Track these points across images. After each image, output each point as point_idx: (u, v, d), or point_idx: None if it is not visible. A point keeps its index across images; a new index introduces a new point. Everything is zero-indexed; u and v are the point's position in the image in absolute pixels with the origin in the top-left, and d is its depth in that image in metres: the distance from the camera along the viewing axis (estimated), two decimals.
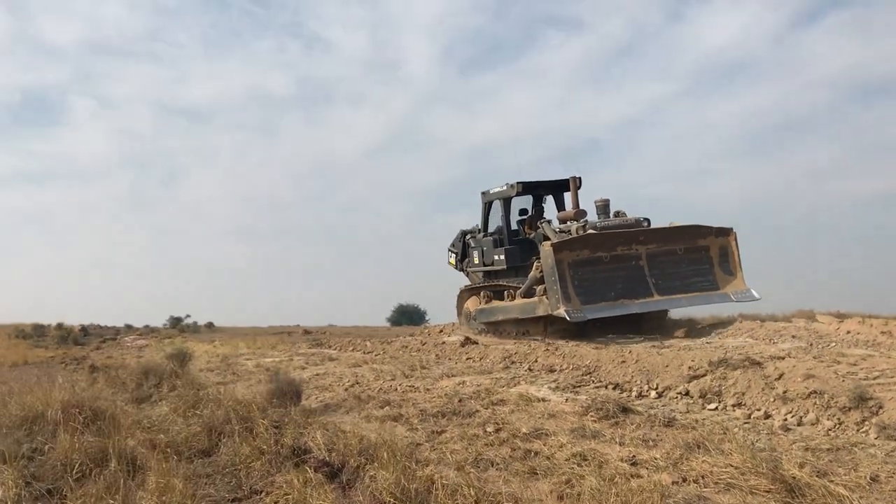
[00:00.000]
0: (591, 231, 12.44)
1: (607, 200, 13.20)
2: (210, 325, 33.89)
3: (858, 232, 50.32)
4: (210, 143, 70.89)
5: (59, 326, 27.45)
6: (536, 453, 5.50)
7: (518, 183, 14.62)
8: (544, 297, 12.06)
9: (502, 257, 14.87)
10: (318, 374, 9.98)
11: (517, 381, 8.08)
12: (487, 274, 15.80)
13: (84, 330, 27.05)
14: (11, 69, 68.78)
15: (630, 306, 11.89)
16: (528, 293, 13.01)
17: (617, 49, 62.00)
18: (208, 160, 71.72)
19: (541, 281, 12.27)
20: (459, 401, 7.28)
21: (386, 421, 6.80)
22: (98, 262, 67.69)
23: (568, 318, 11.28)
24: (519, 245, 14.75)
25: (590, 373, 7.92)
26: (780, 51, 54.68)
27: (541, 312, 12.42)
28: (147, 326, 31.63)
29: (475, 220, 16.50)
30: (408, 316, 46.64)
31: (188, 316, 34.79)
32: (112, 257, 68.90)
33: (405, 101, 67.98)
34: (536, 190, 15.24)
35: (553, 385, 7.65)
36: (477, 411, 6.83)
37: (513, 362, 9.29)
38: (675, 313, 13.30)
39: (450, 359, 10.62)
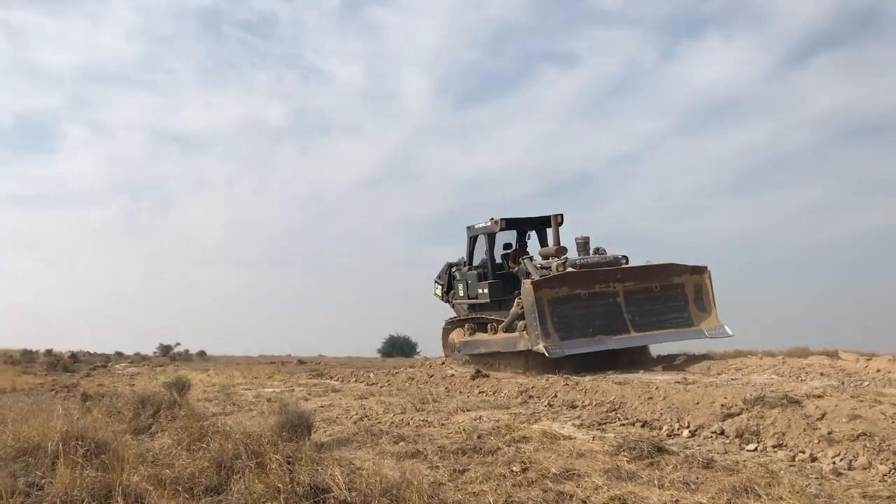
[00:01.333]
0: (570, 269, 12.76)
1: (587, 238, 13.56)
2: (202, 354, 33.33)
3: (847, 268, 50.40)
4: (203, 171, 70.68)
5: (49, 353, 26.89)
6: (570, 496, 5.15)
7: (501, 219, 15.08)
8: (525, 332, 12.39)
9: (486, 290, 15.14)
10: (322, 406, 9.60)
11: (537, 416, 7.72)
12: (472, 307, 16.04)
13: (74, 357, 26.48)
14: (6, 94, 68.60)
15: (607, 342, 12.20)
16: (510, 328, 13.28)
17: (611, 85, 62.42)
18: (201, 188, 71.41)
19: (522, 317, 12.55)
20: (479, 437, 6.92)
21: (403, 458, 6.43)
22: (88, 289, 66.84)
23: (547, 354, 11.60)
24: (502, 279, 15.03)
25: (614, 409, 7.57)
26: (771, 90, 55.16)
27: (521, 347, 12.65)
28: (137, 354, 31.06)
29: (463, 253, 16.72)
30: (399, 347, 46.16)
31: (178, 344, 34.23)
32: (102, 284, 68.15)
33: (400, 133, 68.14)
34: (519, 226, 15.66)
35: (577, 422, 7.29)
36: (499, 449, 6.46)
37: (530, 397, 8.93)
38: (660, 349, 13.41)
39: (460, 392, 10.25)
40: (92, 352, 31.61)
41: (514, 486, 5.44)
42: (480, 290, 15.40)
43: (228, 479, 5.58)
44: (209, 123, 69.21)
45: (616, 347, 12.36)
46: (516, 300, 13.03)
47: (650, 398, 7.42)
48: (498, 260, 15.74)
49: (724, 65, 55.93)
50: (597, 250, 13.55)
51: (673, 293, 13.00)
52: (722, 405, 6.69)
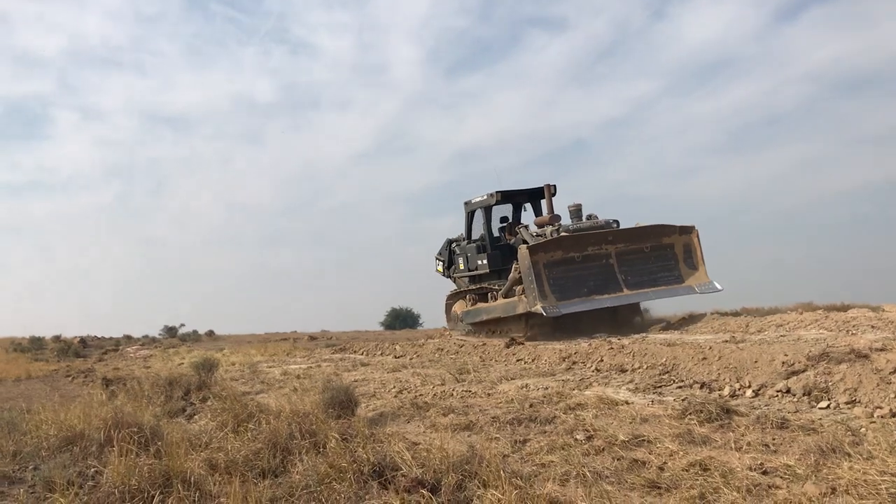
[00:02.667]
0: (563, 234, 13.40)
1: (579, 205, 14.19)
2: (210, 334, 33.18)
3: (843, 223, 50.32)
4: (196, 151, 70.09)
5: (58, 339, 26.70)
6: (645, 463, 4.92)
7: (497, 192, 15.72)
8: (523, 296, 13.01)
9: (485, 262, 15.85)
10: (356, 381, 9.37)
11: (587, 382, 7.50)
12: (472, 278, 16.72)
13: (83, 342, 26.30)
14: None
15: (602, 301, 12.87)
16: (509, 293, 14.03)
17: (601, 48, 61.79)
18: (195, 169, 70.91)
19: (519, 281, 13.18)
20: (531, 406, 6.70)
21: (457, 430, 6.21)
22: (86, 274, 66.69)
23: (544, 314, 12.28)
24: (500, 250, 15.68)
25: (667, 372, 7.35)
26: (762, 46, 54.57)
27: (521, 310, 13.30)
28: (147, 336, 30.92)
29: (461, 226, 17.34)
30: (402, 319, 46.07)
31: (182, 325, 34.13)
32: (100, 268, 67.96)
33: (392, 105, 67.50)
34: (515, 198, 16.29)
35: (631, 386, 7.07)
36: (556, 417, 6.24)
37: (574, 363, 8.71)
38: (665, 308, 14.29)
39: (496, 361, 10.04)
40: (100, 336, 31.46)
41: (582, 454, 5.22)
42: (480, 262, 16.06)
43: (285, 460, 5.36)
44: (199, 103, 68.54)
45: (610, 305, 13.01)
46: (514, 266, 13.58)
47: (704, 359, 7.19)
48: (496, 233, 16.29)
49: (714, 23, 55.33)
50: (589, 216, 14.10)
51: (663, 253, 13.60)
52: (783, 363, 6.46)
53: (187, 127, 70.55)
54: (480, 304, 15.80)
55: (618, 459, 5.06)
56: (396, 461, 4.90)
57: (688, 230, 13.69)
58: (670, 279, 13.45)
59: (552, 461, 5.16)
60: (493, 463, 4.74)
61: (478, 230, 16.68)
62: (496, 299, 14.85)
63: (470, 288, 16.69)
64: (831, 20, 52.65)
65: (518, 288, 13.37)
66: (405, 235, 63.53)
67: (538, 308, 12.30)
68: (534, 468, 5.04)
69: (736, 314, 11.99)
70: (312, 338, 28.18)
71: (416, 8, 64.48)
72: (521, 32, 65.91)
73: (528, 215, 16.48)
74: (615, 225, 13.93)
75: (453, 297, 17.73)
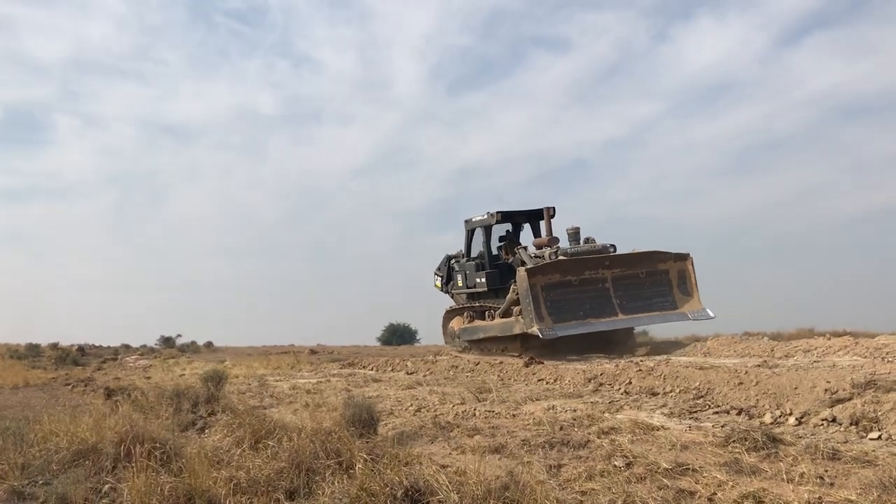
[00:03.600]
0: (561, 257, 13.71)
1: (578, 228, 14.50)
2: (209, 345, 32.80)
3: (844, 248, 50.25)
4: (196, 161, 69.87)
5: (55, 346, 26.33)
6: (692, 493, 4.64)
7: (497, 212, 16.20)
8: (520, 316, 13.35)
9: (483, 280, 16.08)
10: (370, 398, 9.06)
11: (617, 405, 7.22)
12: (470, 296, 17.01)
13: (81, 350, 25.92)
14: None
15: (597, 325, 13.20)
16: (506, 313, 14.34)
17: (604, 69, 61.87)
18: (194, 179, 70.65)
19: (517, 302, 13.50)
20: (561, 429, 6.42)
21: (485, 453, 5.92)
22: (82, 281, 66.16)
23: (541, 336, 12.56)
24: (499, 269, 15.95)
25: (701, 396, 7.07)
26: (765, 71, 54.70)
27: (517, 331, 13.69)
28: (145, 346, 30.53)
29: (460, 243, 17.61)
30: (399, 335, 45.68)
31: (179, 335, 33.79)
32: (96, 276, 67.43)
33: (393, 121, 67.40)
34: (515, 218, 16.77)
35: (665, 411, 6.79)
36: (589, 441, 5.96)
37: (601, 384, 8.41)
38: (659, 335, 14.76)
39: (515, 380, 9.74)
40: (97, 344, 31.08)
41: (622, 482, 4.94)
42: (478, 280, 16.30)
43: (310, 481, 5.07)
44: (201, 113, 68.43)
45: (605, 329, 13.35)
46: (512, 287, 13.87)
47: (740, 383, 6.91)
48: (494, 251, 16.63)
49: (717, 46, 55.46)
50: (587, 240, 14.39)
51: (658, 279, 13.85)
52: (825, 390, 6.19)
53: (188, 137, 70.42)
54: (478, 322, 16.03)
55: (662, 489, 4.78)
56: (432, 485, 4.62)
57: (683, 257, 13.96)
58: (664, 305, 13.72)
59: (593, 489, 4.88)
60: (535, 490, 4.47)
61: (477, 248, 16.98)
62: (493, 318, 15.15)
63: (468, 305, 16.99)
64: (834, 46, 52.79)
65: (515, 309, 13.69)
66: (403, 251, 63.28)
67: (535, 330, 12.58)
68: (574, 496, 4.77)
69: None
70: (313, 352, 27.81)
71: (420, 25, 64.57)
72: (524, 52, 66.05)
73: (526, 236, 16.94)
74: (612, 249, 14.21)
75: (451, 314, 18.01)
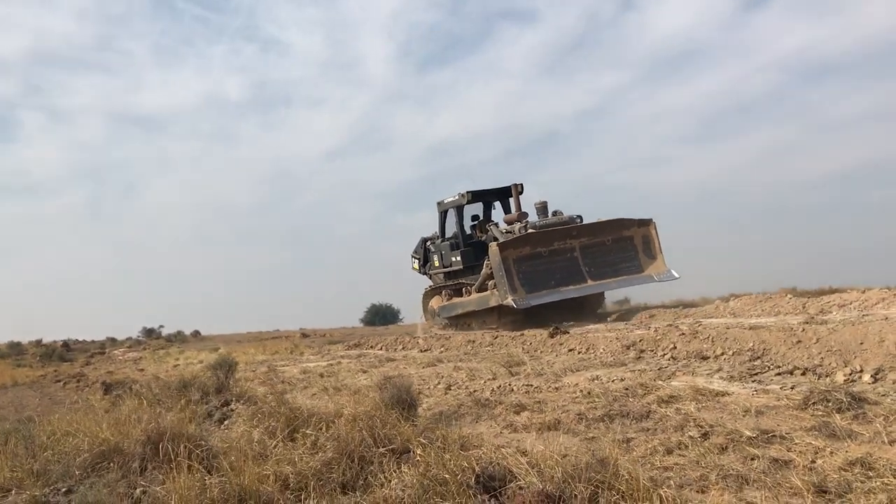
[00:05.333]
0: (531, 230, 14.32)
1: (545, 202, 15.14)
2: (196, 334, 32.13)
3: (813, 211, 50.51)
4: (167, 152, 68.47)
5: (39, 343, 25.54)
6: (788, 463, 4.22)
7: (468, 192, 16.79)
8: (495, 290, 13.98)
9: (459, 258, 16.71)
10: (390, 378, 8.58)
11: (668, 372, 6.78)
12: (447, 275, 17.65)
13: (66, 345, 25.17)
14: None
15: (568, 292, 13.82)
16: (482, 288, 15.13)
17: (572, 40, 61.39)
18: (166, 169, 69.30)
19: (491, 276, 14.13)
20: (615, 399, 5.98)
21: (541, 430, 5.48)
22: (58, 277, 64.82)
23: (515, 306, 13.23)
24: (473, 247, 16.60)
25: (758, 357, 6.65)
26: (731, 35, 54.53)
27: (493, 303, 14.39)
28: (131, 339, 29.80)
29: (435, 224, 18.25)
30: (381, 315, 45.39)
31: (162, 326, 33.22)
32: (72, 271, 66.12)
33: (364, 102, 66.46)
34: (485, 197, 17.35)
35: (723, 374, 6.36)
36: (651, 411, 5.53)
37: (642, 351, 7.98)
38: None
39: (541, 352, 9.30)
40: (82, 339, 30.30)
41: (703, 454, 4.51)
42: (454, 259, 16.95)
43: (364, 471, 4.59)
44: (169, 102, 66.98)
45: (576, 296, 13.97)
46: (485, 262, 14.55)
47: (798, 342, 6.50)
48: (468, 231, 17.21)
49: (683, 12, 55.17)
50: (555, 213, 15.01)
51: (623, 245, 14.51)
52: None
53: (158, 127, 68.90)
54: (456, 299, 16.69)
55: (751, 459, 4.35)
56: (509, 469, 4.15)
57: (646, 223, 14.52)
58: (631, 269, 14.33)
59: (677, 464, 4.45)
60: (623, 468, 4.01)
61: (451, 228, 17.59)
62: (470, 294, 15.79)
63: (445, 284, 17.60)
64: (799, 7, 52.67)
65: (490, 283, 14.33)
66: (380, 232, 62.66)
67: (509, 301, 13.19)
68: (655, 472, 4.32)
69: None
70: (305, 335, 27.28)
71: (387, 3, 63.44)
72: (492, 26, 65.31)
73: (497, 213, 17.41)
74: (579, 220, 14.81)
75: (430, 293, 18.70)
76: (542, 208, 15.06)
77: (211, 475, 4.11)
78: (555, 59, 62.81)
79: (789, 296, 10.65)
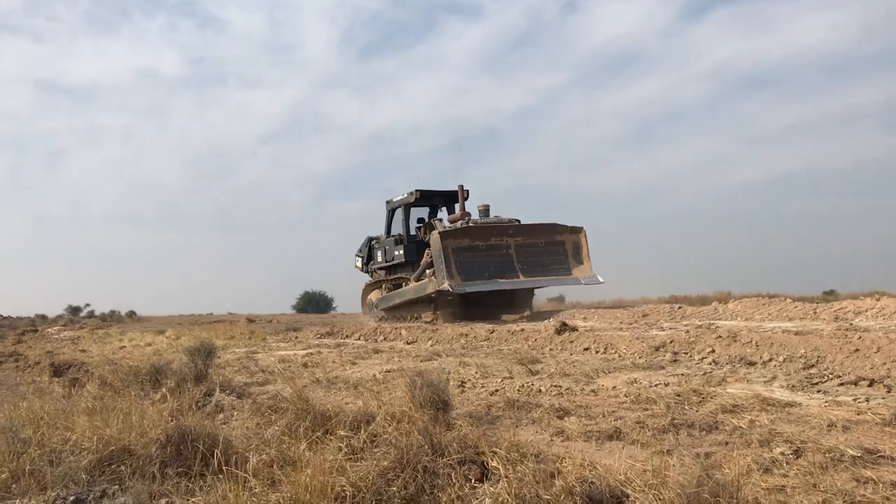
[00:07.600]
0: (471, 224, 15.83)
1: (488, 205, 16.65)
2: (132, 314, 30.63)
3: (741, 217, 52.01)
4: (95, 124, 65.54)
5: None
6: None
7: (416, 190, 18.24)
8: (433, 277, 15.07)
9: (401, 252, 18.13)
10: (389, 372, 7.89)
11: (716, 378, 6.28)
12: (388, 269, 19.01)
13: None
14: None
15: (501, 284, 15.16)
16: (421, 277, 16.34)
17: (515, 38, 61.57)
18: (94, 143, 66.39)
19: (431, 265, 15.26)
20: (668, 407, 5.45)
21: (601, 440, 4.90)
22: None
23: (451, 290, 14.35)
24: (416, 245, 17.90)
25: (812, 365, 6.21)
26: (669, 43, 55.69)
27: (431, 290, 15.36)
28: (62, 316, 28.13)
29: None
30: (314, 303, 44.64)
31: (88, 304, 31.74)
32: None
33: (303, 85, 65.01)
34: (432, 199, 18.79)
35: (781, 383, 5.89)
36: (719, 422, 5.01)
37: (675, 353, 7.47)
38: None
39: (550, 350, 8.72)
40: (6, 315, 28.49)
41: (807, 474, 4.00)
42: (396, 252, 18.35)
43: (430, 484, 3.91)
44: (100, 74, 64.14)
45: (508, 288, 15.43)
46: (427, 252, 15.78)
47: (856, 350, 6.10)
48: (413, 231, 18.60)
49: (624, 18, 55.95)
50: (496, 216, 16.48)
51: (555, 248, 15.91)
52: None
53: (87, 99, 65.84)
54: (394, 291, 17.89)
55: (865, 483, 3.86)
56: (612, 489, 3.54)
57: (577, 230, 15.96)
58: (560, 270, 15.76)
59: (783, 486, 3.92)
60: (736, 488, 3.45)
61: (397, 228, 18.90)
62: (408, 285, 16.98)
63: (386, 278, 18.91)
64: (734, 21, 54.06)
65: (429, 271, 15.41)
66: (313, 219, 61.50)
67: (446, 286, 14.28)
68: (769, 496, 3.78)
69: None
70: (250, 320, 26.25)
71: None
72: (436, 18, 64.79)
73: (443, 217, 18.46)
74: (516, 222, 16.25)
75: (369, 287, 20.09)
76: (485, 211, 16.59)
77: (250, 485, 3.38)
78: (497, 56, 62.91)
79: (788, 299, 10.37)
